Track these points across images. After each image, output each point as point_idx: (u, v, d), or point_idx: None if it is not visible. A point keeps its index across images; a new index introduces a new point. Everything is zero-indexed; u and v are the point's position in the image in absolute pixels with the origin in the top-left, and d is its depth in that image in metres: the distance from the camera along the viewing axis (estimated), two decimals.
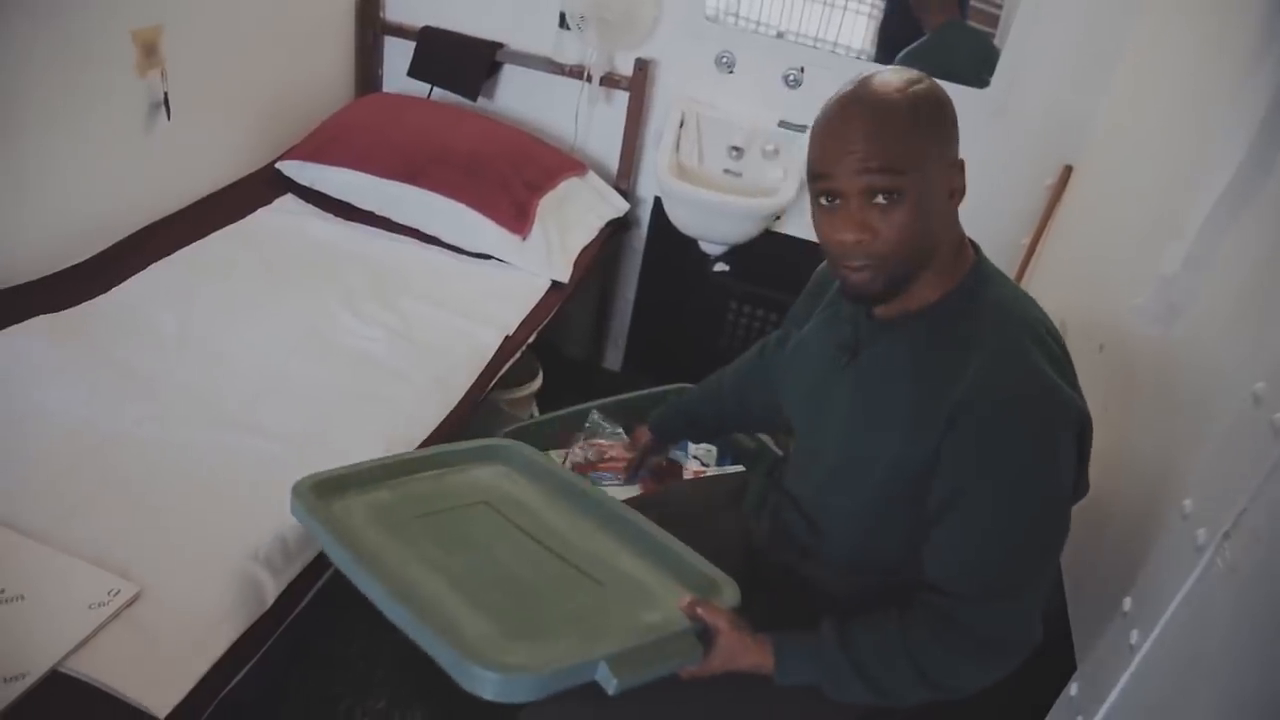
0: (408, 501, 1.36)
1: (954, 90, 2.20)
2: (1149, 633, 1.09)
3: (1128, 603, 1.18)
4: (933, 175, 1.02)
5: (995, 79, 2.18)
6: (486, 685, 0.98)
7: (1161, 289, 1.34)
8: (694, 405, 1.64)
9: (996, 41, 2.20)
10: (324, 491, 1.31)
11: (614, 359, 2.79)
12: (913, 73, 1.05)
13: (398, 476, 1.40)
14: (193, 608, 1.21)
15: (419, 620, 1.04)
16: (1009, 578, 1.05)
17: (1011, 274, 2.24)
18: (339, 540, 1.19)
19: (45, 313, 1.65)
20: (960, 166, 1.06)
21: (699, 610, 1.10)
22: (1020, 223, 2.25)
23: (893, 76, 1.04)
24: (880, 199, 1.00)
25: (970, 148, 2.14)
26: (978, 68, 2.22)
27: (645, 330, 2.72)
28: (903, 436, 1.07)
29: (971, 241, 1.12)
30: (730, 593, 1.18)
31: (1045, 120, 2.17)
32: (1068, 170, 2.16)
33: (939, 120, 1.03)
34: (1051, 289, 2.11)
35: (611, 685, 0.99)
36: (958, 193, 1.07)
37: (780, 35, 2.35)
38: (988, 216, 2.28)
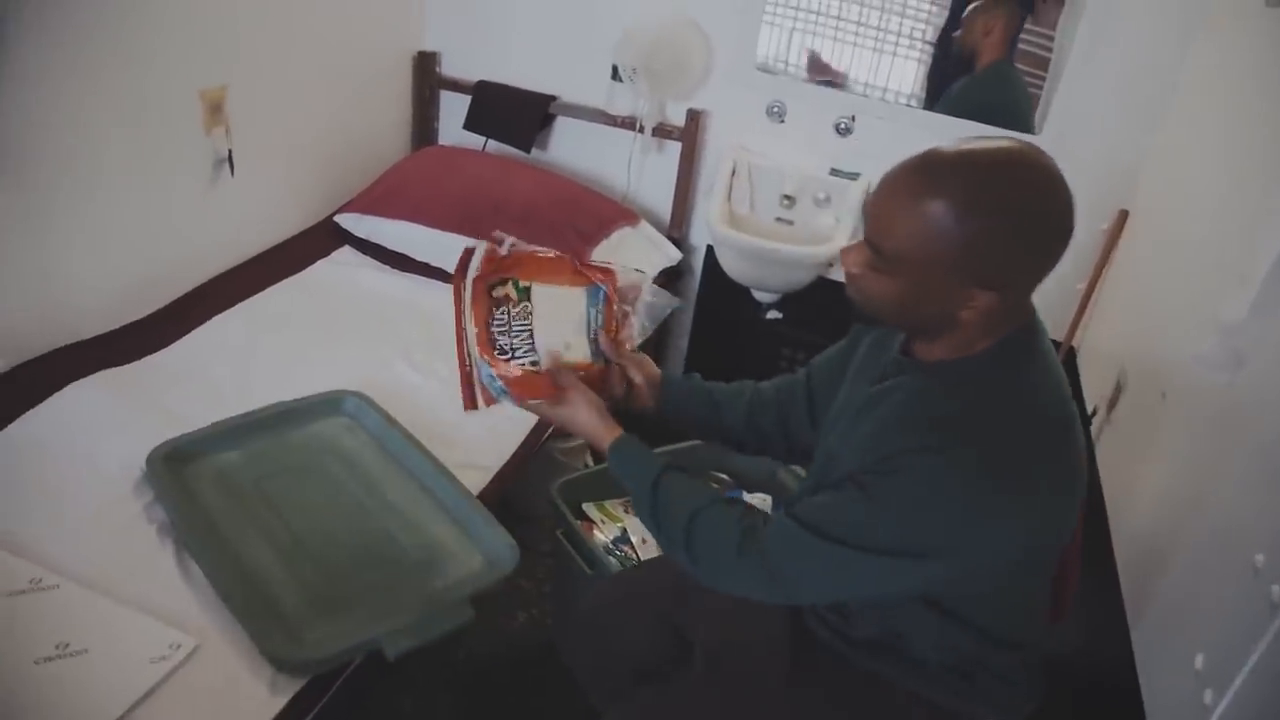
0: (254, 461, 1.54)
1: (1003, 135, 2.19)
2: (1224, 694, 1.05)
3: (1200, 660, 1.14)
4: (933, 285, 0.95)
5: (1048, 122, 2.16)
6: (290, 669, 1.23)
7: (1226, 336, 1.31)
8: (714, 388, 1.40)
9: (1046, 84, 2.18)
10: (176, 460, 1.48)
11: None
12: (1005, 172, 0.93)
13: (246, 436, 1.58)
14: (251, 660, 1.22)
15: (242, 609, 1.26)
16: (833, 527, 1.00)
17: (1067, 320, 2.20)
18: (183, 519, 1.38)
19: (109, 367, 1.70)
20: (997, 294, 0.94)
21: (558, 377, 1.20)
22: (1075, 268, 2.21)
23: (969, 175, 0.93)
24: (875, 261, 0.99)
25: None
26: (1025, 109, 2.21)
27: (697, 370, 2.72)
28: (855, 451, 1.04)
29: (1034, 316, 1.05)
30: (510, 558, 1.41)
31: (1098, 163, 2.14)
32: (1123, 215, 2.12)
33: (975, 236, 0.92)
34: (1110, 336, 2.07)
35: (390, 651, 1.24)
36: (977, 314, 0.96)
37: (830, 83, 2.36)
38: None
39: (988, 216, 0.91)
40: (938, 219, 0.92)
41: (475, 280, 1.17)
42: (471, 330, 1.17)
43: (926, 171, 0.94)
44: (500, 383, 1.17)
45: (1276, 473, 1.14)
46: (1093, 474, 1.80)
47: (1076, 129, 2.14)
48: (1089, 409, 1.96)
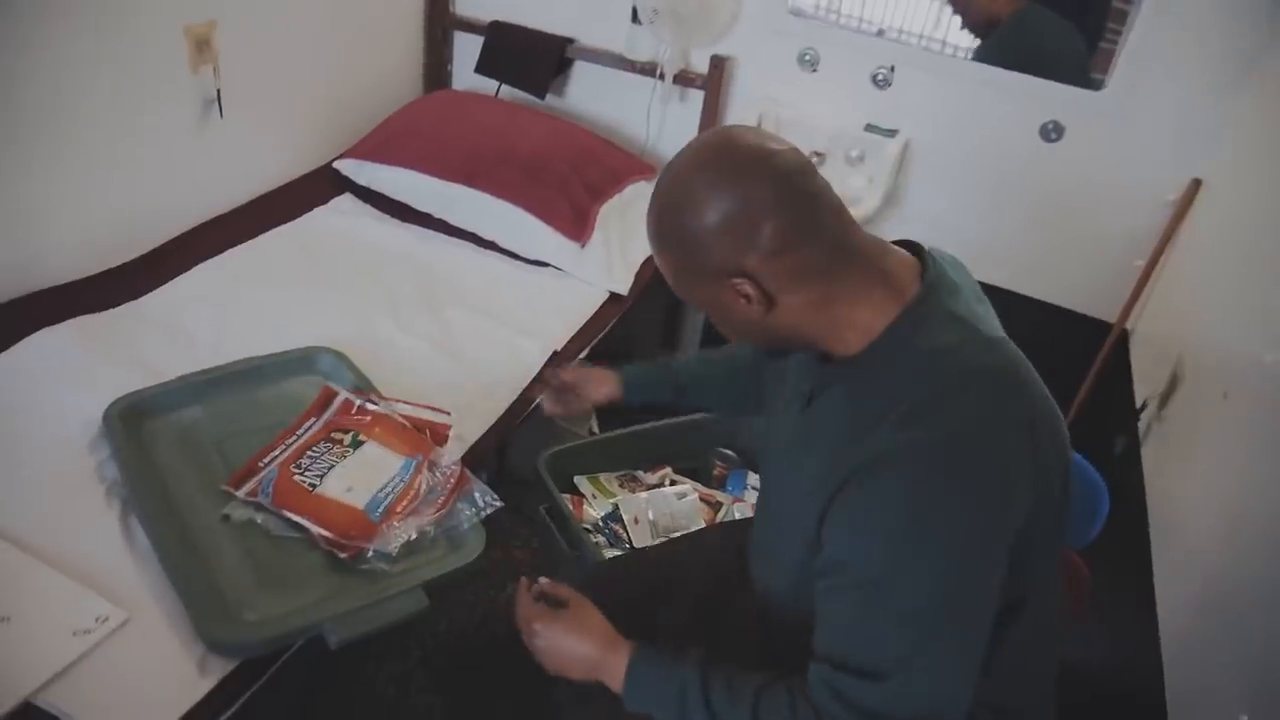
0: (216, 420, 1.46)
1: (1059, 91, 1.98)
2: None
3: None
4: (704, 293, 0.95)
5: (1115, 76, 1.93)
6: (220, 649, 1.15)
7: None
8: (681, 373, 1.43)
9: (1123, 35, 1.95)
10: (134, 415, 1.40)
11: None
12: (689, 173, 0.92)
13: (212, 392, 1.49)
14: (184, 636, 1.14)
15: (182, 580, 1.19)
16: (879, 654, 0.88)
17: (1122, 299, 2.00)
18: (133, 479, 1.30)
19: (85, 313, 1.63)
20: (751, 277, 0.90)
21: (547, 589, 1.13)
22: (1135, 243, 2.00)
23: (661, 187, 0.94)
24: None
25: (1078, 156, 1.97)
26: (1063, 59, 2.00)
27: (718, 342, 2.55)
28: (812, 490, 0.93)
29: (928, 273, 0.94)
30: (475, 545, 1.31)
31: (1170, 124, 1.91)
32: (1195, 184, 1.90)
33: (679, 241, 0.93)
34: (1169, 321, 1.86)
35: (333, 640, 1.16)
36: (754, 299, 0.91)
37: (881, 33, 2.16)
38: (1094, 234, 2.09)
39: (660, 225, 0.95)
40: (654, 253, 0.97)
41: (329, 421, 1.43)
42: (295, 446, 1.38)
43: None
44: (272, 487, 1.30)
45: None
46: (1136, 473, 1.63)
47: (1147, 84, 1.90)
48: (1138, 401, 1.77)
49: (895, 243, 0.99)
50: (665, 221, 0.94)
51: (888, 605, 0.86)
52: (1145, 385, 1.80)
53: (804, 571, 0.96)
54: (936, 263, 0.96)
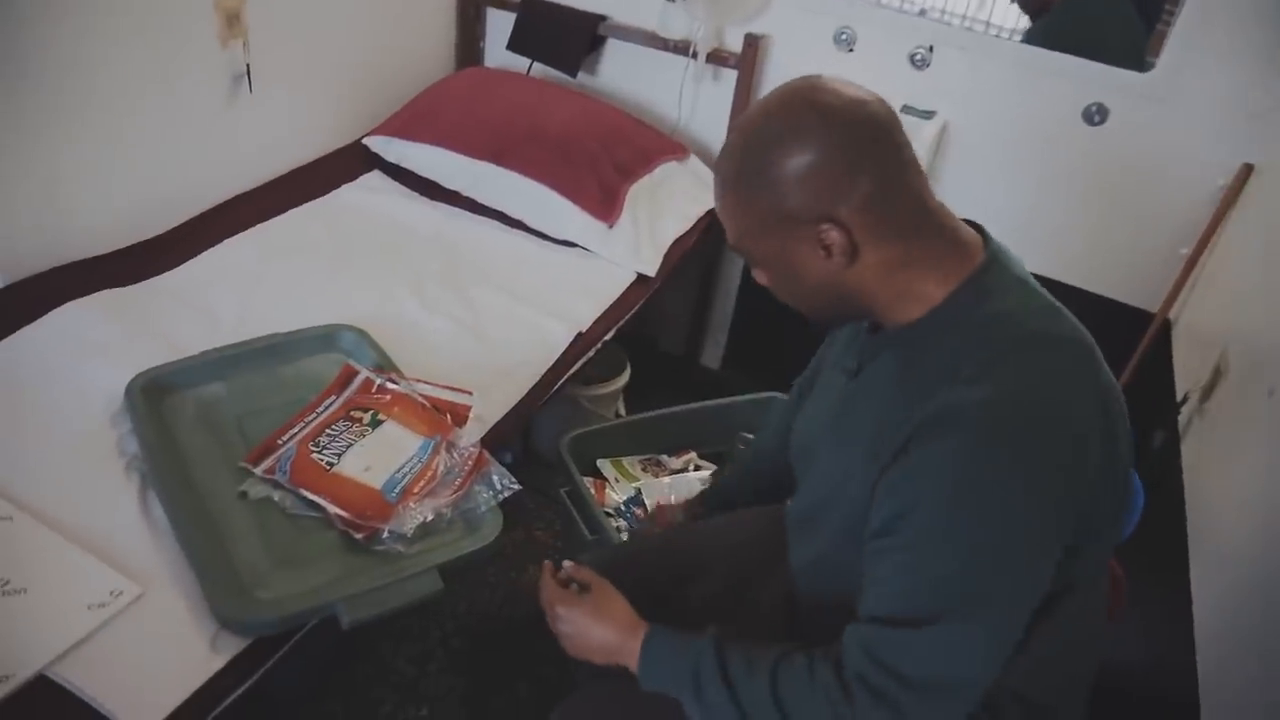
0: (237, 397, 1.45)
1: (1103, 73, 1.91)
2: None
3: None
4: (777, 241, 0.91)
5: (1164, 55, 1.85)
6: (233, 626, 1.13)
7: None
8: (752, 466, 1.48)
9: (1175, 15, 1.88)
10: (155, 390, 1.40)
11: (713, 356, 2.62)
12: (781, 113, 0.89)
13: (233, 368, 1.48)
14: (197, 613, 1.13)
15: (198, 556, 1.17)
16: (915, 609, 0.85)
17: (1165, 287, 1.93)
18: (152, 454, 1.29)
19: (111, 287, 1.63)
20: (842, 224, 0.87)
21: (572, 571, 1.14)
22: (1180, 230, 1.93)
23: (745, 127, 0.92)
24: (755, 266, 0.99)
25: (1123, 139, 1.90)
26: (1119, 41, 1.92)
27: (747, 326, 2.53)
28: (864, 455, 0.91)
29: (990, 245, 0.93)
30: (492, 527, 1.28)
31: (1220, 106, 1.83)
32: (1247, 170, 1.83)
33: (763, 181, 0.88)
34: (1214, 312, 1.79)
35: (345, 621, 1.13)
36: (837, 249, 0.88)
37: (923, 13, 2.10)
38: (1137, 221, 2.01)
39: (742, 164, 0.91)
40: (725, 196, 0.94)
41: (349, 399, 1.42)
42: (315, 424, 1.37)
43: (716, 166, 0.96)
44: (290, 465, 1.29)
45: None
46: (1175, 468, 1.58)
47: (1198, 65, 1.82)
48: (1179, 395, 1.71)
49: None
50: (750, 160, 0.89)
51: (935, 564, 0.83)
52: (1186, 378, 1.73)
53: (845, 545, 0.94)
54: (993, 239, 0.94)
